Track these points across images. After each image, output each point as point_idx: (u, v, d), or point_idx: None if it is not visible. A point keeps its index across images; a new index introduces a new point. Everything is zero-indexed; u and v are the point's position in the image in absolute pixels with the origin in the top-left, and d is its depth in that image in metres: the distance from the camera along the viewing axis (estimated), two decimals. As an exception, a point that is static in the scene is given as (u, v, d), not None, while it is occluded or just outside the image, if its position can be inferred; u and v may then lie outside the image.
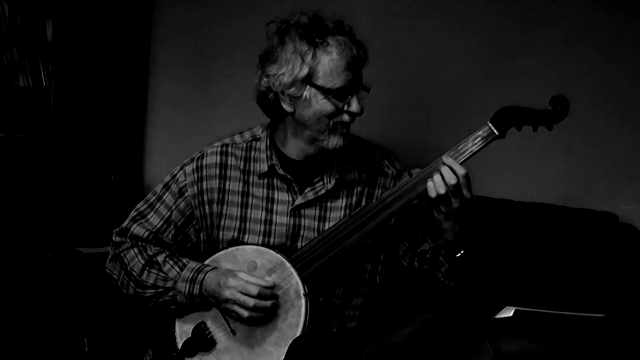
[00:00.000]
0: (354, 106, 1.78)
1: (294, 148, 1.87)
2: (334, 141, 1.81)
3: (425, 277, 1.89)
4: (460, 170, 1.70)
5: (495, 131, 1.74)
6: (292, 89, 1.77)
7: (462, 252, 1.79)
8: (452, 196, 1.70)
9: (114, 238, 1.96)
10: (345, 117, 1.79)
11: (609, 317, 1.53)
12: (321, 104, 1.77)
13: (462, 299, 1.88)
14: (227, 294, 1.77)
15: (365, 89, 1.81)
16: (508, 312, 1.43)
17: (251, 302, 1.75)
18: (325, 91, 1.76)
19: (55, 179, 3.11)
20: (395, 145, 2.17)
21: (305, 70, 1.74)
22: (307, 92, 1.77)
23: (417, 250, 1.92)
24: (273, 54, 1.79)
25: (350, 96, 1.78)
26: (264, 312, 1.77)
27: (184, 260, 1.88)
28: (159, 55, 3.33)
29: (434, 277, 1.85)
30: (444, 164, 1.72)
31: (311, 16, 1.79)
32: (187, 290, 1.83)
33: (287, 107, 1.80)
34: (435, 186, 1.71)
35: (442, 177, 1.70)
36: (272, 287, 1.77)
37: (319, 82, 1.76)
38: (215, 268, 1.84)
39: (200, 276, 1.82)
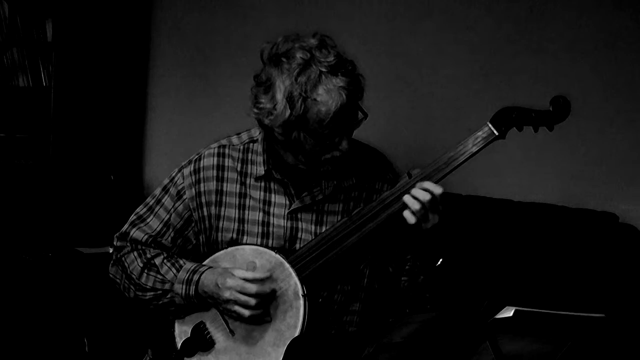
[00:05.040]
0: (344, 145, 1.77)
1: (290, 158, 1.85)
2: (323, 168, 1.81)
3: (402, 288, 1.89)
4: (437, 190, 1.70)
5: (495, 132, 1.73)
6: (281, 129, 1.75)
7: (440, 260, 1.78)
8: (429, 211, 1.71)
9: (115, 243, 1.96)
10: (335, 153, 1.79)
11: (609, 317, 1.53)
12: (310, 145, 1.76)
13: (460, 300, 1.88)
14: (227, 294, 1.77)
15: (360, 121, 1.78)
16: (508, 312, 1.43)
17: (252, 301, 1.75)
18: (313, 136, 1.74)
19: (55, 179, 3.11)
20: (395, 145, 2.17)
21: (293, 117, 1.71)
22: (296, 133, 1.75)
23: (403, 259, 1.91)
24: (265, 85, 1.75)
25: (339, 137, 1.77)
26: (265, 309, 1.76)
27: (181, 262, 1.87)
28: (158, 55, 3.32)
29: (412, 287, 1.86)
30: (419, 188, 1.72)
31: (307, 52, 1.72)
32: (183, 292, 1.83)
33: (278, 136, 1.78)
34: (411, 206, 1.71)
35: (416, 198, 1.71)
36: (269, 277, 1.76)
37: (308, 128, 1.73)
38: (211, 267, 1.83)
39: (196, 277, 1.82)
